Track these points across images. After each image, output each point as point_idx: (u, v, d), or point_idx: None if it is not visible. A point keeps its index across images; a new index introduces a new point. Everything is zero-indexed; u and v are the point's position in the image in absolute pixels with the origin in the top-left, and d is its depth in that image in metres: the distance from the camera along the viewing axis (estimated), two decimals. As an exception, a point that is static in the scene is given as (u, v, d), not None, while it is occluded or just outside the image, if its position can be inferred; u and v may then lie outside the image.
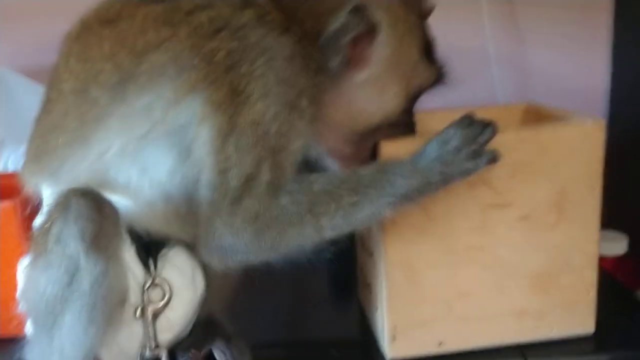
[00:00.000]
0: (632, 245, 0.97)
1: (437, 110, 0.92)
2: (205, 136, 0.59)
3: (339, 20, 0.61)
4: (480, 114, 0.80)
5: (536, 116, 0.80)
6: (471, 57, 1.15)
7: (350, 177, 0.60)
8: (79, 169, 0.61)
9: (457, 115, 0.77)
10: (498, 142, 0.65)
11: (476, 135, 0.61)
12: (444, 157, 0.60)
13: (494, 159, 0.61)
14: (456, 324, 0.69)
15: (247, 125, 0.58)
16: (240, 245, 0.59)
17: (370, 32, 0.62)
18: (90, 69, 0.60)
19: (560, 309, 0.70)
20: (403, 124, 0.68)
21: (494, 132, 0.61)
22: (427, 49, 0.68)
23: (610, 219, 0.89)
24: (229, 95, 0.58)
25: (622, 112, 1.13)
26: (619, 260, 0.97)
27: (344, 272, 0.92)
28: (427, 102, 1.16)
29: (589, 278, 0.70)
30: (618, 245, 0.97)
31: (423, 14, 0.70)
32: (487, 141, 0.61)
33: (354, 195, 0.59)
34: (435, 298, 0.68)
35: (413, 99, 0.68)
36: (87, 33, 0.63)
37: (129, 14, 0.61)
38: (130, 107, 0.59)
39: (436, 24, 1.13)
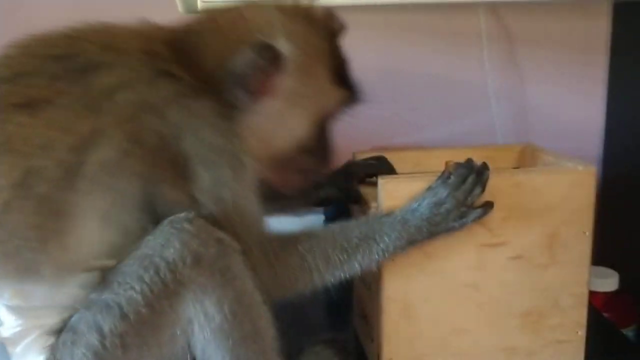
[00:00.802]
0: (622, 282, 0.99)
1: (435, 147, 0.95)
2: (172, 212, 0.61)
3: (243, 57, 0.62)
4: (479, 154, 0.84)
5: (532, 157, 0.82)
6: (471, 93, 1.18)
7: (340, 235, 0.65)
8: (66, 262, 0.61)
9: (454, 155, 0.81)
10: (494, 185, 0.68)
11: (466, 196, 0.65)
12: (433, 219, 0.65)
13: (480, 216, 0.65)
14: None
15: (204, 197, 0.61)
16: None
17: (275, 63, 0.64)
18: (25, 164, 0.58)
19: (550, 348, 0.72)
20: (319, 149, 0.70)
21: (483, 191, 0.65)
22: (338, 71, 0.69)
23: (602, 256, 0.92)
24: (176, 172, 0.61)
25: (616, 151, 1.16)
26: (610, 296, 0.99)
27: (340, 300, 0.94)
28: (427, 134, 1.20)
29: (579, 318, 0.72)
30: (609, 282, 0.99)
31: (333, 35, 0.70)
32: (475, 200, 0.65)
33: (344, 254, 0.65)
34: (430, 334, 0.71)
35: (324, 124, 0.70)
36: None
37: (44, 97, 0.60)
38: (86, 197, 0.59)
39: (438, 59, 1.17)
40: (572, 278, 0.71)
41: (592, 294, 0.91)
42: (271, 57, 0.63)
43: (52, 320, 0.61)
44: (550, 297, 0.71)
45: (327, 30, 0.70)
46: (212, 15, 0.69)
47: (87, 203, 0.59)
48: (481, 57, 1.15)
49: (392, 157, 0.83)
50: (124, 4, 1.08)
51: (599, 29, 1.18)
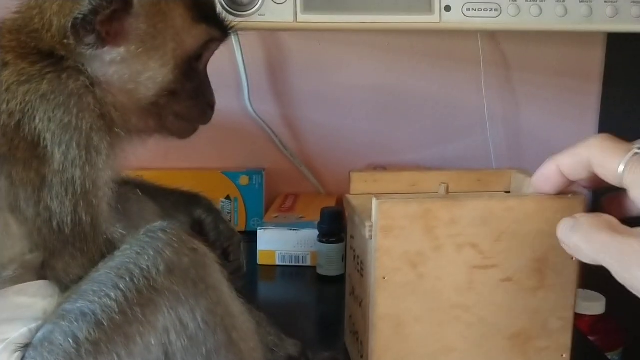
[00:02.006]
0: (609, 306, 1.00)
1: (431, 169, 0.97)
2: (24, 193, 0.62)
3: (84, 5, 0.62)
4: (472, 177, 0.86)
5: (524, 182, 0.84)
6: (468, 116, 1.21)
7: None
8: None
9: (449, 177, 0.82)
10: (487, 209, 0.70)
11: None
12: None
13: None
14: (439, 378, 0.73)
15: (55, 178, 0.62)
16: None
17: (125, 5, 0.63)
18: None
19: (537, 370, 0.74)
20: (192, 91, 0.70)
21: None
22: (199, 6, 0.69)
23: (589, 280, 0.93)
24: (30, 151, 0.62)
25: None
26: (596, 320, 1.00)
27: (332, 312, 0.96)
28: (423, 154, 1.22)
29: (564, 342, 0.74)
30: (596, 305, 1.01)
31: None
32: None
33: None
34: (420, 351, 0.72)
35: (191, 64, 0.70)
36: None
37: None
38: None
39: (437, 82, 1.20)
40: (560, 302, 0.73)
41: (579, 317, 0.92)
42: (116, 2, 0.62)
43: (15, 333, 0.61)
44: (539, 320, 0.73)
45: None
46: None
47: None
48: (478, 82, 1.17)
49: (387, 177, 0.84)
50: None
51: (593, 58, 1.21)
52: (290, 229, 1.10)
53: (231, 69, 1.16)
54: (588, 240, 0.56)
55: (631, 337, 1.01)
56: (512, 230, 0.71)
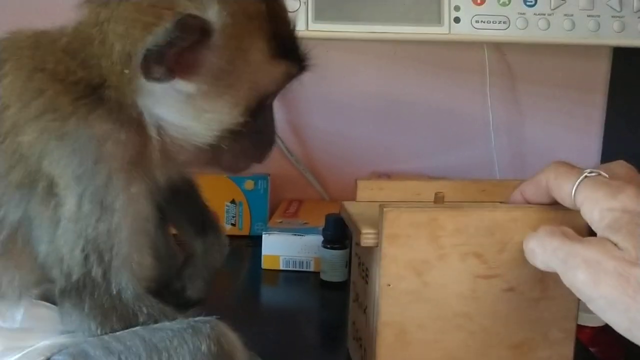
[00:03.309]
0: (610, 318, 1.00)
1: (436, 178, 0.97)
2: (38, 229, 0.60)
3: (159, 34, 0.53)
4: (477, 187, 0.86)
5: (528, 194, 0.85)
6: (472, 126, 1.21)
7: None
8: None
9: (453, 187, 0.83)
10: (492, 219, 0.71)
11: None
12: None
13: None
14: (441, 386, 0.73)
15: (67, 222, 0.59)
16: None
17: (204, 37, 0.55)
18: None
19: (538, 380, 0.74)
20: (255, 128, 0.63)
21: None
22: (279, 41, 0.61)
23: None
24: (49, 188, 0.59)
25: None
26: (597, 331, 1.01)
27: (335, 317, 0.97)
28: (427, 163, 1.23)
29: (566, 353, 0.74)
30: (597, 317, 1.00)
31: None
32: None
33: None
34: (423, 359, 0.73)
35: (262, 103, 0.63)
36: None
37: None
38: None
39: (442, 92, 1.21)
40: (562, 313, 0.73)
41: (580, 329, 0.92)
42: (196, 30, 0.54)
43: (31, 343, 0.61)
44: (541, 330, 0.74)
45: None
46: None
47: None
48: (484, 92, 1.18)
49: (393, 186, 0.85)
50: None
51: (598, 71, 1.22)
52: (295, 234, 1.10)
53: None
54: (541, 244, 0.62)
55: (632, 350, 1.01)
56: (516, 240, 0.71)
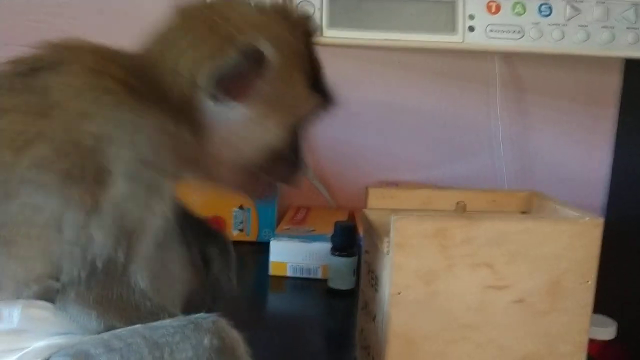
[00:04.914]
0: (620, 331, 1.00)
1: (445, 187, 0.97)
2: (71, 214, 0.60)
3: (224, 60, 0.61)
4: (486, 197, 0.86)
5: (538, 204, 0.85)
6: (481, 136, 1.21)
7: None
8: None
9: (463, 196, 0.83)
10: (503, 230, 0.70)
11: None
12: None
13: None
14: (448, 397, 0.73)
15: (108, 205, 0.60)
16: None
17: (259, 67, 0.63)
18: None
19: (546, 393, 0.74)
20: (290, 154, 0.70)
21: None
22: (313, 75, 0.69)
23: (601, 304, 0.93)
24: (95, 174, 0.60)
25: (619, 203, 1.18)
26: (606, 345, 1.00)
27: (341, 325, 0.96)
28: (435, 172, 1.23)
29: (576, 366, 0.74)
30: (607, 331, 1.00)
31: (309, 36, 0.70)
32: None
33: None
34: (430, 369, 0.72)
35: (297, 130, 0.70)
36: None
37: (4, 107, 0.61)
38: (20, 205, 0.60)
39: (452, 101, 1.20)
40: (572, 326, 0.73)
41: (590, 342, 0.92)
42: (256, 60, 0.62)
43: (28, 343, 0.61)
44: (550, 343, 0.73)
45: (303, 31, 0.69)
46: (182, 20, 0.67)
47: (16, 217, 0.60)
48: (493, 103, 1.18)
49: (403, 194, 0.85)
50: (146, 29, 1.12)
51: (609, 83, 1.21)
52: (302, 241, 1.10)
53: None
54: None
55: (640, 364, 1.00)
56: (527, 251, 0.71)
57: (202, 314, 0.60)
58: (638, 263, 1.07)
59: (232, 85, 0.62)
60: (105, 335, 0.60)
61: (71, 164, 0.60)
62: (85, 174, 0.60)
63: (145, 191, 0.61)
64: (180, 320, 0.60)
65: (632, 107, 1.17)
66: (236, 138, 0.66)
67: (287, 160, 0.70)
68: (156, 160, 0.62)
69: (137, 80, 0.64)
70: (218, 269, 0.80)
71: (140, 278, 0.62)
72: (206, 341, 0.58)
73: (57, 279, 0.61)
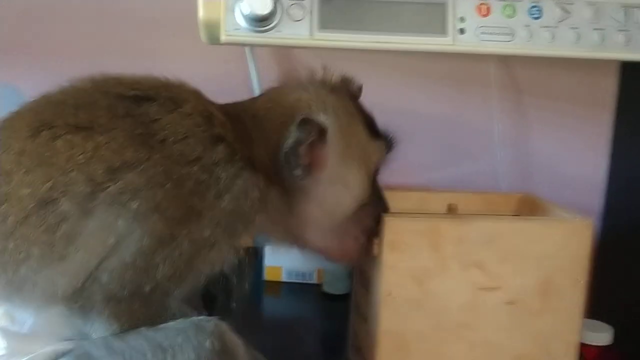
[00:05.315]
0: (616, 337, 0.99)
1: (438, 189, 0.97)
2: (139, 238, 0.60)
3: (290, 136, 0.66)
4: (480, 199, 0.86)
5: (531, 206, 0.85)
6: (478, 138, 1.21)
7: None
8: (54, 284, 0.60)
9: (457, 198, 0.83)
10: (493, 230, 0.70)
11: None
12: None
13: None
14: (440, 397, 0.73)
15: (185, 241, 0.61)
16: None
17: (322, 135, 0.67)
18: (56, 181, 0.59)
19: (539, 393, 0.74)
20: (374, 201, 0.73)
21: None
22: (370, 125, 0.74)
23: (598, 310, 0.93)
24: (185, 214, 0.61)
25: (616, 206, 1.18)
26: (603, 350, 0.99)
27: (336, 329, 0.96)
28: (432, 175, 1.22)
29: (569, 367, 0.74)
30: (603, 336, 1.00)
31: (355, 95, 0.76)
32: None
33: None
34: (422, 370, 0.72)
35: (374, 176, 0.74)
36: (48, 134, 0.61)
37: (105, 126, 0.61)
38: (97, 222, 0.59)
39: (449, 104, 1.20)
40: (564, 326, 0.73)
41: (585, 347, 0.92)
42: (315, 131, 0.66)
43: (38, 347, 0.61)
44: (542, 343, 0.73)
45: (350, 93, 0.75)
46: (264, 99, 0.73)
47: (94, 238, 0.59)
48: (490, 106, 1.18)
49: (395, 196, 0.85)
50: (147, 31, 1.13)
51: (606, 85, 1.21)
52: (298, 245, 1.10)
53: (245, 84, 1.17)
54: None
55: (637, 368, 1.00)
56: (518, 251, 0.71)
57: (204, 317, 0.62)
58: (635, 268, 1.07)
59: (304, 158, 0.67)
60: (109, 337, 0.61)
61: (162, 199, 0.60)
62: (175, 210, 0.61)
63: (222, 238, 0.63)
64: (183, 322, 0.61)
65: (628, 109, 1.17)
66: (323, 201, 0.69)
67: (372, 206, 0.72)
68: (246, 215, 0.64)
69: (238, 135, 0.67)
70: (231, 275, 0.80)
71: (176, 300, 0.64)
72: (208, 343, 0.59)
73: (91, 293, 0.61)
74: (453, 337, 0.72)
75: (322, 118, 0.68)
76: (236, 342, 0.61)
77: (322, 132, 0.67)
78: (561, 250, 0.71)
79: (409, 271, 0.71)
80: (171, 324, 0.61)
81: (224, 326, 0.61)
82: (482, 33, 0.76)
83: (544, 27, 0.76)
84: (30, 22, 1.13)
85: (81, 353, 0.60)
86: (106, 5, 1.13)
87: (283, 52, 1.16)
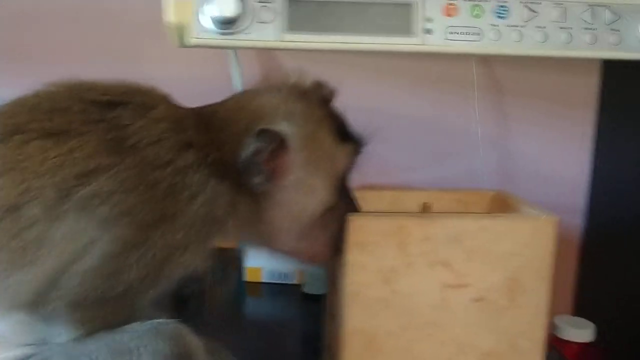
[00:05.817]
0: (598, 334, 1.00)
1: (412, 188, 0.98)
2: (110, 242, 0.60)
3: (248, 146, 0.66)
4: (453, 197, 0.87)
5: (502, 204, 0.85)
6: (459, 139, 1.21)
7: None
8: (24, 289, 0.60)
9: (430, 197, 0.84)
10: (459, 228, 0.71)
11: None
12: None
13: None
14: (410, 395, 0.73)
15: (156, 245, 0.61)
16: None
17: (282, 144, 0.67)
18: (28, 185, 0.59)
19: (507, 390, 0.74)
20: (343, 204, 0.73)
21: None
22: (340, 129, 0.74)
23: (580, 307, 0.93)
24: (156, 218, 0.61)
25: (599, 205, 1.18)
26: (584, 347, 1.00)
27: (316, 333, 0.96)
28: (413, 176, 1.23)
29: (535, 362, 0.74)
30: (584, 333, 1.00)
31: (327, 99, 0.76)
32: None
33: None
34: (391, 368, 0.73)
35: (342, 180, 0.74)
36: (20, 138, 0.62)
37: (78, 130, 0.62)
38: (69, 226, 0.60)
39: (429, 104, 1.21)
40: (531, 323, 0.73)
41: (567, 344, 0.92)
42: (274, 140, 0.67)
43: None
44: (509, 339, 0.73)
45: (320, 99, 0.75)
46: (233, 102, 0.73)
47: (65, 242, 0.60)
48: (471, 106, 1.18)
49: (368, 196, 0.86)
50: (129, 35, 1.14)
51: (588, 84, 1.21)
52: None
53: (228, 85, 1.18)
54: None
55: (618, 365, 1.00)
56: (485, 249, 0.72)
57: (163, 320, 0.62)
58: (617, 266, 1.07)
59: (264, 166, 0.67)
60: (69, 343, 0.61)
61: (134, 203, 0.61)
62: (147, 215, 0.61)
63: (195, 243, 0.64)
64: (143, 325, 0.62)
65: (611, 108, 1.18)
66: (288, 206, 0.70)
67: (340, 209, 0.73)
68: (218, 218, 0.65)
69: (208, 138, 0.67)
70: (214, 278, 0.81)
71: (147, 304, 0.64)
72: (165, 347, 0.60)
73: (60, 297, 0.61)
74: (421, 335, 0.73)
75: (284, 126, 0.68)
76: (196, 344, 0.62)
77: (282, 141, 0.67)
78: (526, 247, 0.72)
79: (376, 270, 0.71)
80: (132, 326, 0.61)
81: (184, 329, 0.62)
82: (450, 33, 0.77)
83: (511, 26, 0.77)
84: (7, 27, 1.14)
85: (41, 359, 0.60)
86: (87, 9, 1.14)
87: (266, 54, 1.17)
